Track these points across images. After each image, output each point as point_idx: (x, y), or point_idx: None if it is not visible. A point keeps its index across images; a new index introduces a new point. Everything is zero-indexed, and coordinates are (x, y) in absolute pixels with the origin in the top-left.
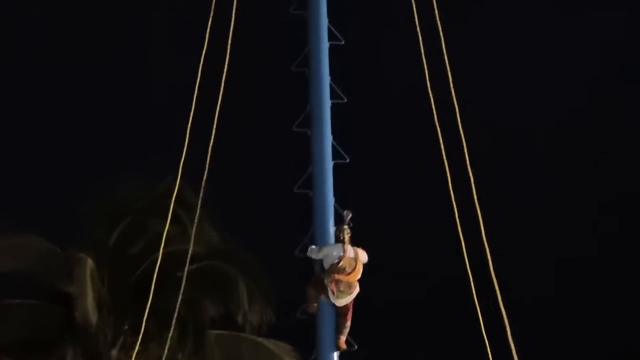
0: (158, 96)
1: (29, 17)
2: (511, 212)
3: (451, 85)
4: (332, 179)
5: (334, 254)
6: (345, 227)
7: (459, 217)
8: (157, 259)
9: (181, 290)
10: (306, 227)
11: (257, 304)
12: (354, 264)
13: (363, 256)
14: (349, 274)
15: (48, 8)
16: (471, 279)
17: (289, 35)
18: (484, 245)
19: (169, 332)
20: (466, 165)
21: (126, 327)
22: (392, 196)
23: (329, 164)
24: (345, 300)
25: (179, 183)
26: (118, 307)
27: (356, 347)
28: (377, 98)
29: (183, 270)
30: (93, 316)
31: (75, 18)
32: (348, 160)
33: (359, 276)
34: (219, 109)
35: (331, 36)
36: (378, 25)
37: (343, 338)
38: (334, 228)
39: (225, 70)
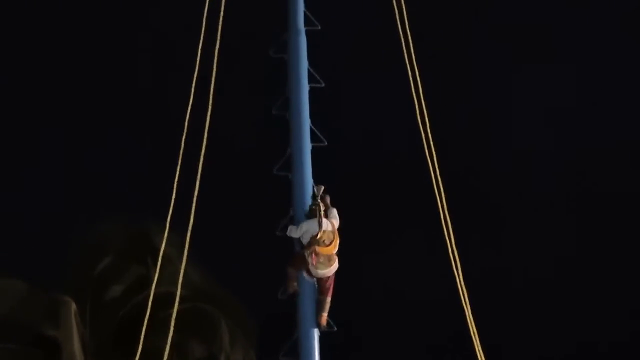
0: (140, 139)
1: None
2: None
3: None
4: None
5: (312, 229)
6: (319, 201)
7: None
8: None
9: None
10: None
11: (239, 344)
12: (332, 236)
13: (337, 224)
14: (328, 246)
15: None
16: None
17: (269, 77)
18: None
19: None
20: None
21: None
22: (377, 237)
23: None
24: (325, 271)
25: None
26: (101, 351)
27: (335, 328)
28: (358, 140)
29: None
30: None
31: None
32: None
33: (336, 249)
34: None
35: (311, 79)
36: (359, 66)
37: (324, 315)
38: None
39: (209, 111)
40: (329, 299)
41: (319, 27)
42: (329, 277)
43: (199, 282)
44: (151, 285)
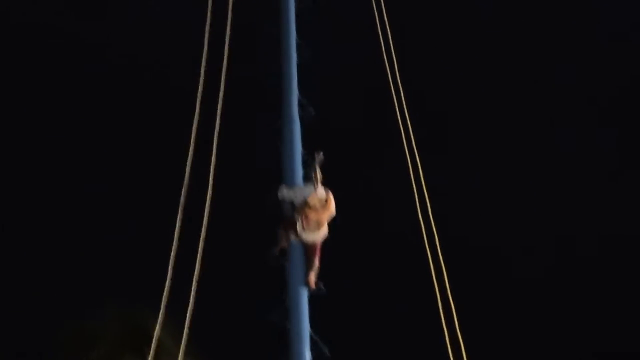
0: (133, 221)
1: None
2: None
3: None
4: None
5: (306, 192)
6: (317, 167)
7: None
8: None
9: None
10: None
11: None
12: (325, 203)
13: (332, 201)
14: (318, 211)
15: None
16: None
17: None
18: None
19: None
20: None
21: None
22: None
23: None
24: (313, 236)
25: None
26: None
27: (324, 290)
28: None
29: None
30: None
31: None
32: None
33: (328, 215)
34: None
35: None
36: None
37: (312, 276)
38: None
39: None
40: (317, 261)
41: (314, 113)
42: (316, 243)
43: None
44: None
